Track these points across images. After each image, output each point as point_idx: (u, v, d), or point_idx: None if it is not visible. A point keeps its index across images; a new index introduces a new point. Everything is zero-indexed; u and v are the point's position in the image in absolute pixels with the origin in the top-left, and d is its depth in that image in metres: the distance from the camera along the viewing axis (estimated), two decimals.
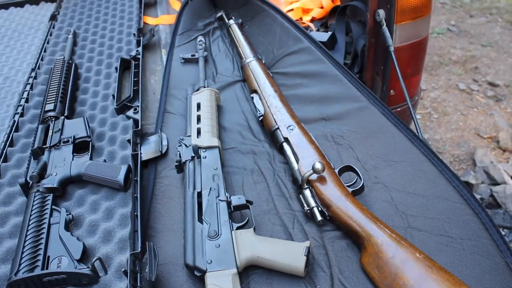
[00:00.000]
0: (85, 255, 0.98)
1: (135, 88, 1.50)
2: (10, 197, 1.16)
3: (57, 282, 0.91)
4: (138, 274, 0.91)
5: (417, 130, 1.42)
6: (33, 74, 1.64)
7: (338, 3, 1.99)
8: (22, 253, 0.95)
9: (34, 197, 1.09)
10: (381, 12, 1.60)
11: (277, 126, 1.29)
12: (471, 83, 3.63)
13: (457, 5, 4.75)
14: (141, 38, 1.81)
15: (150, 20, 2.09)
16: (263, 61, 1.60)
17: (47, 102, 1.41)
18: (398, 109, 1.79)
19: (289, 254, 0.95)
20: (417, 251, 0.90)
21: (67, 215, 1.05)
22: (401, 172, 1.17)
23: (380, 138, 1.27)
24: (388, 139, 1.26)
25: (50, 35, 1.93)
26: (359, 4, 1.74)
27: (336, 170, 1.12)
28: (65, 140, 1.28)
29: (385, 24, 1.60)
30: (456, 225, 1.01)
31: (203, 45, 1.74)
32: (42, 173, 1.16)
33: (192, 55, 1.72)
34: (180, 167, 1.21)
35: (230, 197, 1.07)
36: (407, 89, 1.52)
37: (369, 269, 0.93)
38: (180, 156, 1.22)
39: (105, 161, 1.25)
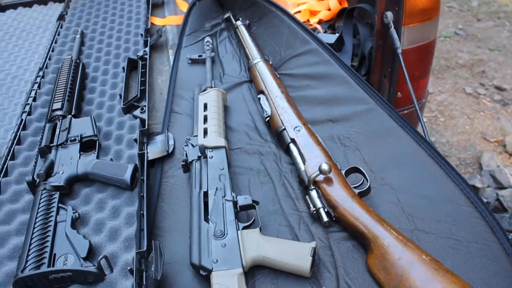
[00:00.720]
0: (91, 253, 0.98)
1: (142, 88, 1.50)
2: (17, 195, 1.17)
3: (63, 280, 0.92)
4: (144, 273, 0.91)
5: (424, 133, 1.41)
6: (41, 73, 1.65)
7: (346, 5, 1.99)
8: (29, 250, 0.95)
9: (41, 195, 1.09)
10: (389, 14, 1.59)
11: (283, 127, 1.29)
12: (478, 87, 3.61)
13: (464, 9, 4.73)
14: (149, 39, 1.82)
15: (157, 21, 2.09)
16: (270, 62, 1.60)
17: (55, 101, 1.42)
18: (405, 112, 1.78)
19: (295, 254, 0.94)
20: (424, 253, 0.90)
21: (73, 213, 1.06)
22: (408, 174, 1.16)
23: (387, 140, 1.27)
24: (395, 141, 1.26)
25: (58, 34, 1.94)
26: (367, 6, 1.73)
27: (343, 172, 1.12)
28: (72, 138, 1.28)
29: (393, 26, 1.60)
30: (463, 228, 1.01)
31: (210, 45, 1.74)
32: (49, 171, 1.17)
33: (199, 56, 1.72)
34: (187, 166, 1.21)
35: (236, 197, 1.07)
36: (414, 92, 1.52)
37: (375, 271, 0.93)
38: (186, 156, 1.22)
39: (111, 160, 1.25)
